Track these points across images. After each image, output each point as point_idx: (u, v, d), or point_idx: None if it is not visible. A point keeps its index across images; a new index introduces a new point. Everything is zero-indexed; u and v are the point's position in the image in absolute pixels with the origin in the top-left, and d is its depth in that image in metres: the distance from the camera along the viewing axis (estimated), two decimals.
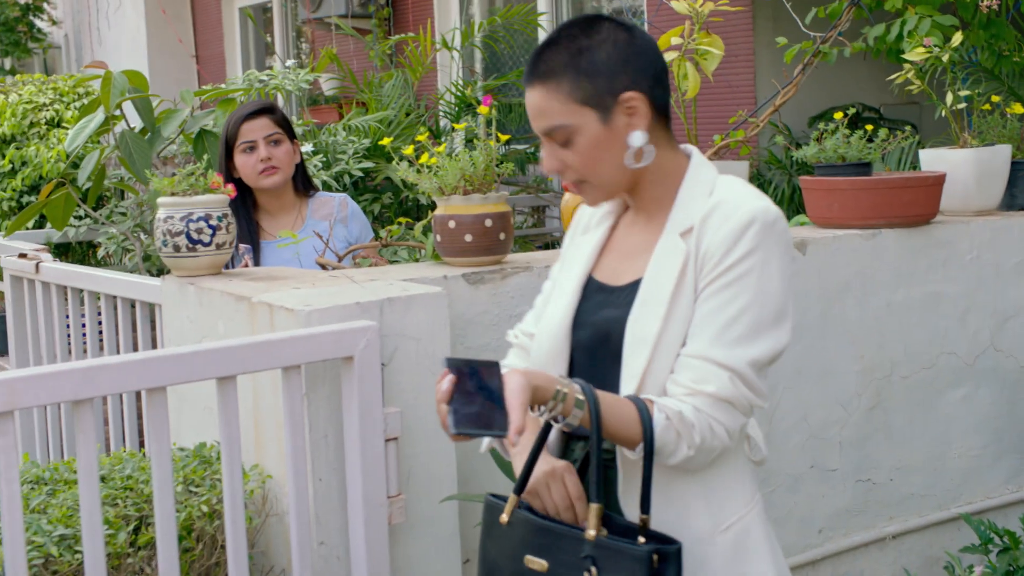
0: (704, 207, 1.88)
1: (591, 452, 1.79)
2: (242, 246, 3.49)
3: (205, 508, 2.43)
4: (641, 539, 1.79)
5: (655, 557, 1.76)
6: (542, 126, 1.90)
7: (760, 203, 1.86)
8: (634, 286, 1.91)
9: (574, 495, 1.89)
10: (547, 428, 1.89)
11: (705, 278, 1.84)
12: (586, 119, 1.87)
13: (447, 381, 1.73)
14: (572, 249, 2.09)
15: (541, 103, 1.88)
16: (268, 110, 3.66)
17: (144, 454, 2.69)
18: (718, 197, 1.89)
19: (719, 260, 1.83)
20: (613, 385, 1.87)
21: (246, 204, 3.64)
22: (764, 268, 1.83)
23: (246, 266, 3.44)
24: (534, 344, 2.04)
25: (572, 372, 1.98)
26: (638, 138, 1.89)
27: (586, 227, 2.09)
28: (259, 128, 3.60)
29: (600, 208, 2.07)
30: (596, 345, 1.94)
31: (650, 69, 1.90)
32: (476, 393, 1.72)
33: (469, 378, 1.73)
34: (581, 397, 1.76)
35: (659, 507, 1.85)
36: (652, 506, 1.83)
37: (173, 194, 2.88)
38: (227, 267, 3.36)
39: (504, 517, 1.89)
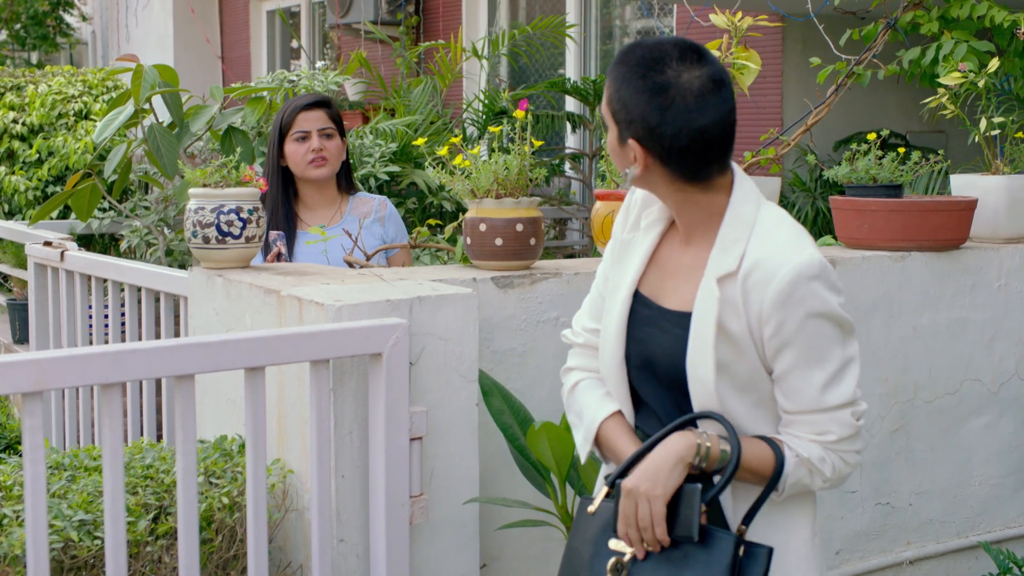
0: (744, 254, 1.88)
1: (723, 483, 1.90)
2: (273, 233, 3.50)
3: (225, 500, 2.42)
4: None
5: (742, 547, 1.86)
6: None
7: (800, 258, 1.85)
8: (679, 317, 1.94)
9: (656, 520, 1.88)
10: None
11: (772, 340, 1.87)
12: None
13: None
14: (625, 248, 2.08)
15: None
16: (324, 103, 3.72)
17: (163, 446, 2.69)
18: (758, 253, 1.87)
19: (779, 326, 1.86)
20: (659, 401, 2.00)
21: (288, 193, 3.67)
22: (822, 318, 1.87)
23: (279, 252, 3.44)
24: (600, 354, 2.07)
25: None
26: None
27: (636, 222, 2.08)
28: (314, 119, 3.65)
29: (651, 210, 2.06)
30: (642, 364, 2.00)
31: None
32: None
33: None
34: (726, 448, 1.88)
35: (774, 520, 1.96)
36: (768, 520, 1.95)
37: (205, 185, 2.88)
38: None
39: (591, 508, 1.96)
